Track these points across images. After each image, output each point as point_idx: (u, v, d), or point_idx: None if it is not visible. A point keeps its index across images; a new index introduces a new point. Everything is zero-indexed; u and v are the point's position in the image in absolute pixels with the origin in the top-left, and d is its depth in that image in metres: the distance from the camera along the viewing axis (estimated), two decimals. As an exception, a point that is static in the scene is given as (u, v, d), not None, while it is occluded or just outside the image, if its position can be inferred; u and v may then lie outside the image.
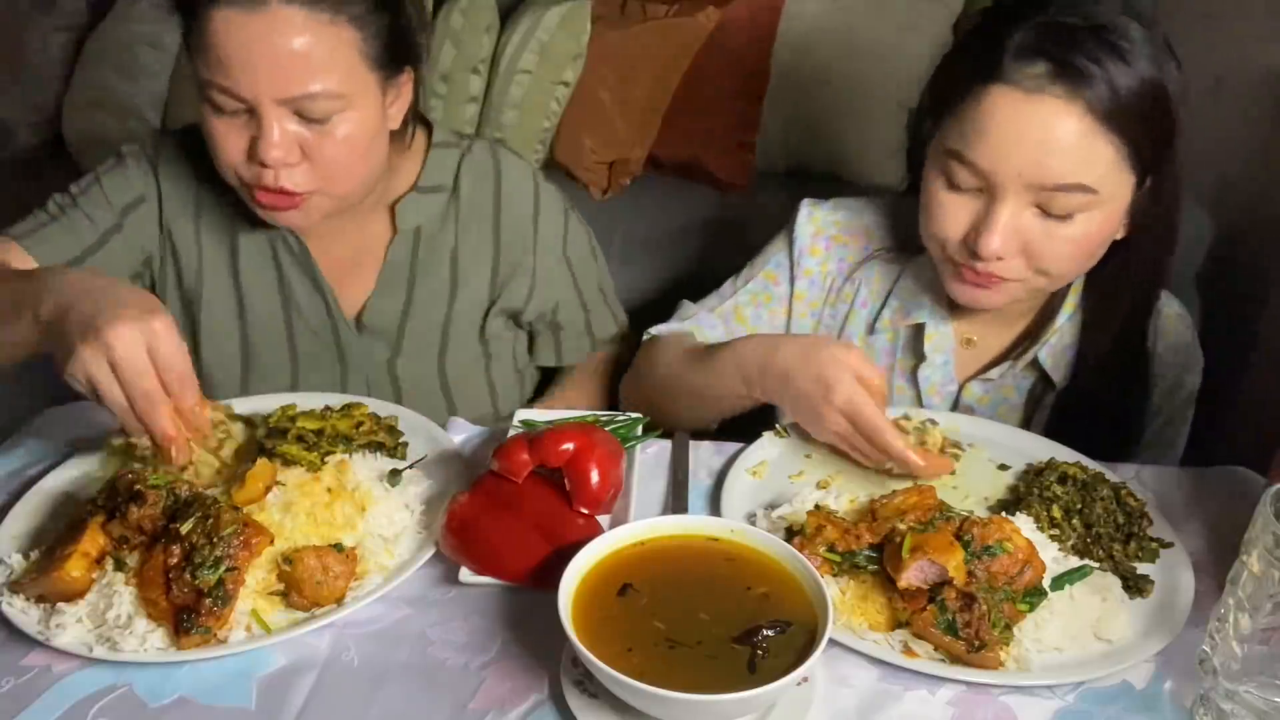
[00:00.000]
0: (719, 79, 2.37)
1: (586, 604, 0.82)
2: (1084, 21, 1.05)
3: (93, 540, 0.91)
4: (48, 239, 1.27)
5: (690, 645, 0.79)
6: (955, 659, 0.86)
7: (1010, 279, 1.12)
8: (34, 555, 0.94)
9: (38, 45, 2.61)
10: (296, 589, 0.90)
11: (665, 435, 1.18)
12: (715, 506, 1.07)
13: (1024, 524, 0.96)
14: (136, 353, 0.90)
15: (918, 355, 1.29)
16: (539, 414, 1.17)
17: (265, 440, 1.04)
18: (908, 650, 0.87)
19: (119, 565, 0.90)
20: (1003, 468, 1.12)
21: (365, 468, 1.03)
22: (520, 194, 1.40)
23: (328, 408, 1.10)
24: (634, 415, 1.17)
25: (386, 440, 1.09)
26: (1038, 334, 1.25)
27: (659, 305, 2.12)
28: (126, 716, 0.83)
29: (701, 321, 1.36)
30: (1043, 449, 1.13)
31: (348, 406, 1.10)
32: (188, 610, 0.85)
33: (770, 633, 0.79)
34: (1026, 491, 1.04)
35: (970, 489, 1.08)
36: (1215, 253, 2.14)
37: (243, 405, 1.17)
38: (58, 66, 2.64)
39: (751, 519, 1.03)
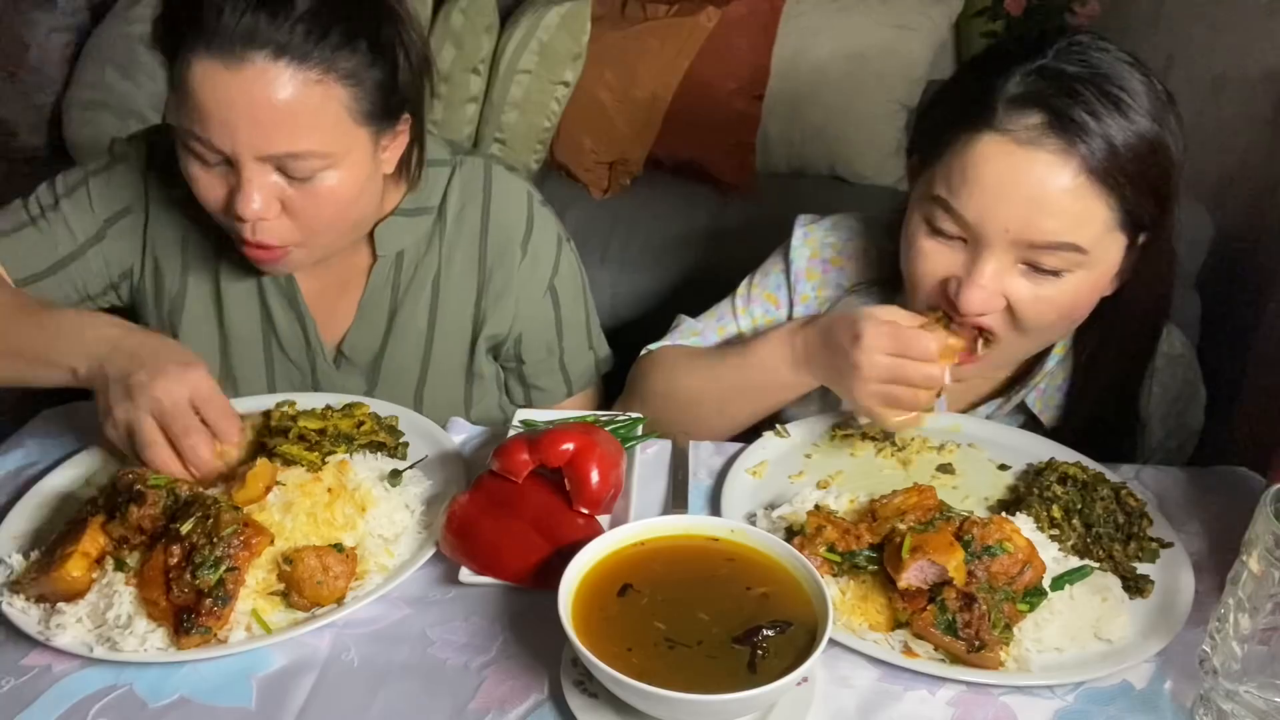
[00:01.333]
0: (719, 79, 2.38)
1: (586, 604, 0.82)
2: (1084, 69, 0.99)
3: (93, 540, 0.91)
4: (22, 243, 1.23)
5: (690, 645, 0.79)
6: (955, 659, 0.86)
7: (990, 330, 1.07)
8: (34, 555, 0.94)
9: (38, 45, 2.61)
10: (296, 589, 0.90)
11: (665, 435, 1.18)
12: (715, 506, 1.07)
13: (1024, 524, 0.96)
14: (182, 402, 0.99)
15: None
16: (539, 414, 1.17)
17: (265, 440, 1.04)
18: (908, 650, 0.87)
19: (119, 565, 0.90)
20: (1003, 468, 1.12)
21: (366, 468, 1.03)
22: (511, 215, 1.32)
23: (329, 407, 1.10)
24: (634, 415, 1.17)
25: (387, 440, 1.09)
26: (1026, 377, 1.20)
27: (658, 305, 2.12)
28: (126, 716, 0.83)
29: (707, 339, 1.32)
30: (1043, 449, 1.13)
31: (349, 406, 1.10)
32: (188, 610, 0.85)
33: (770, 633, 0.79)
34: (1026, 491, 1.04)
35: (970, 489, 1.08)
36: (1215, 253, 2.14)
37: (242, 405, 1.17)
38: (58, 66, 2.64)
39: (751, 519, 1.03)
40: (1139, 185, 0.99)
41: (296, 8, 1.04)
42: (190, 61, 1.05)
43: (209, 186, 1.11)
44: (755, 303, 1.32)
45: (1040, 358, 1.19)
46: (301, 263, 1.19)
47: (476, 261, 1.32)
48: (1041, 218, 0.98)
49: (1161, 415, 1.23)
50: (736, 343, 1.21)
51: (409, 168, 1.25)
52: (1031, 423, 1.22)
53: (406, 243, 1.30)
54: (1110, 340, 1.14)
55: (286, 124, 1.06)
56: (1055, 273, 1.01)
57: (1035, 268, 1.01)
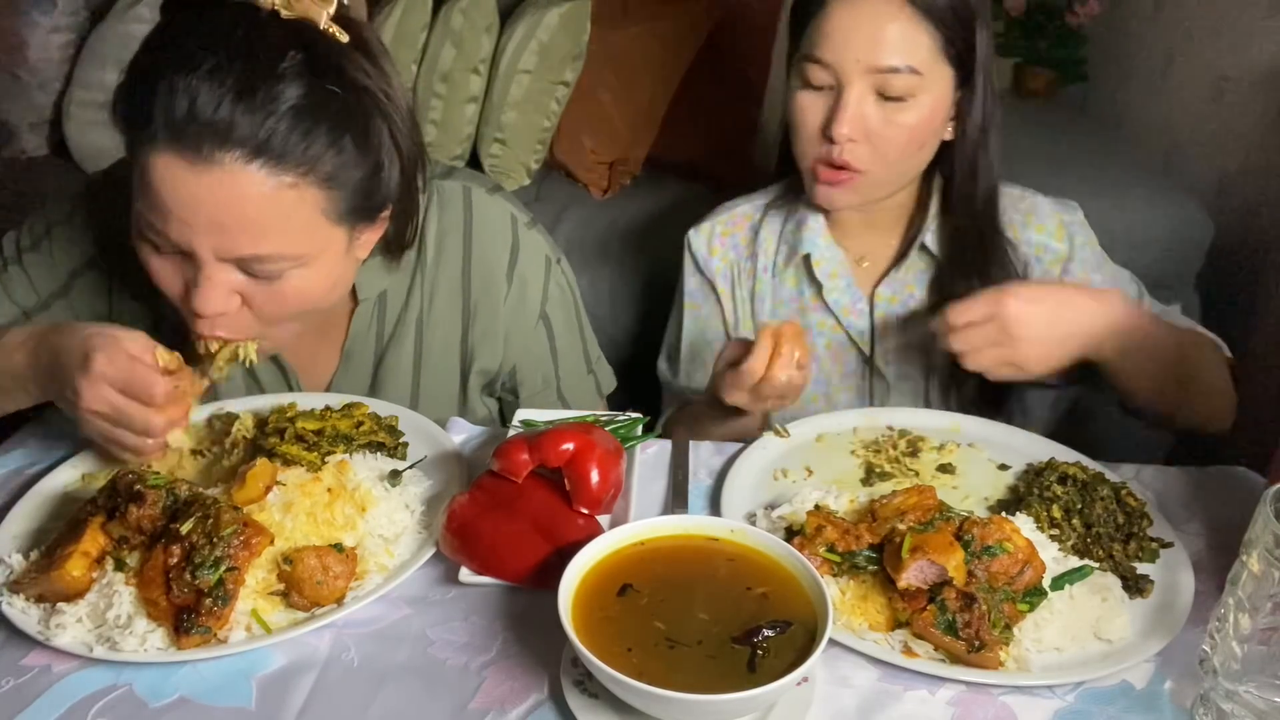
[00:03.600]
0: (719, 79, 2.38)
1: (586, 604, 0.82)
2: None
3: (93, 540, 0.91)
4: None
5: (690, 645, 0.79)
6: (955, 659, 0.86)
7: (858, 169, 1.27)
8: (34, 555, 0.94)
9: (38, 45, 2.61)
10: (296, 589, 0.90)
11: (665, 435, 1.18)
12: (715, 506, 1.07)
13: (1024, 524, 0.96)
14: (115, 401, 0.96)
15: (817, 283, 1.41)
16: (539, 414, 1.17)
17: (265, 440, 1.04)
18: (908, 650, 0.87)
19: (119, 565, 0.90)
20: (1003, 468, 1.12)
21: (365, 468, 1.03)
22: (495, 243, 1.26)
23: (328, 408, 1.09)
24: (634, 415, 1.17)
25: (387, 440, 1.09)
26: (917, 229, 1.38)
27: (658, 305, 2.11)
28: (126, 716, 0.83)
29: (680, 383, 1.50)
30: (1043, 449, 1.13)
31: (348, 406, 1.10)
32: (188, 610, 0.86)
33: (770, 633, 0.79)
34: (1026, 491, 1.04)
35: (970, 489, 1.08)
36: (1215, 253, 2.14)
37: (242, 405, 1.17)
38: (58, 66, 2.64)
39: (751, 519, 1.03)
40: (951, 19, 1.24)
41: (278, 104, 0.94)
42: (151, 151, 0.94)
43: (164, 275, 1.03)
44: (685, 321, 1.49)
45: (922, 211, 1.39)
46: (263, 350, 1.12)
47: (460, 296, 1.27)
48: (883, 47, 1.23)
49: (1032, 252, 1.37)
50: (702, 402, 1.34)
51: (400, 241, 1.18)
52: (936, 270, 1.38)
53: (388, 282, 1.24)
54: (957, 177, 1.35)
55: (254, 228, 0.97)
56: (901, 99, 1.24)
57: (885, 96, 1.24)
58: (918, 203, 1.39)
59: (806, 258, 1.41)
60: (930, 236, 1.37)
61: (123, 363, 0.96)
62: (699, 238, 1.48)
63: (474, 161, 2.49)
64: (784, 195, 1.46)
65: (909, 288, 1.40)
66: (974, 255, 1.34)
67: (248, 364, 1.09)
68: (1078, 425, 1.55)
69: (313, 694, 0.85)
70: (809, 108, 1.28)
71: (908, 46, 1.23)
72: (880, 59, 1.22)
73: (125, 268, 1.14)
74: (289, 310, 1.06)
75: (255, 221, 0.97)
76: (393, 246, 1.18)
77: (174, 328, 1.14)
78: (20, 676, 0.86)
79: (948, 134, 1.32)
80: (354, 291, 1.22)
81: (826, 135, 1.26)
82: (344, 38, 1.00)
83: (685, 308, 1.50)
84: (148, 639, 0.86)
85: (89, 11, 2.67)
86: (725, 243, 1.47)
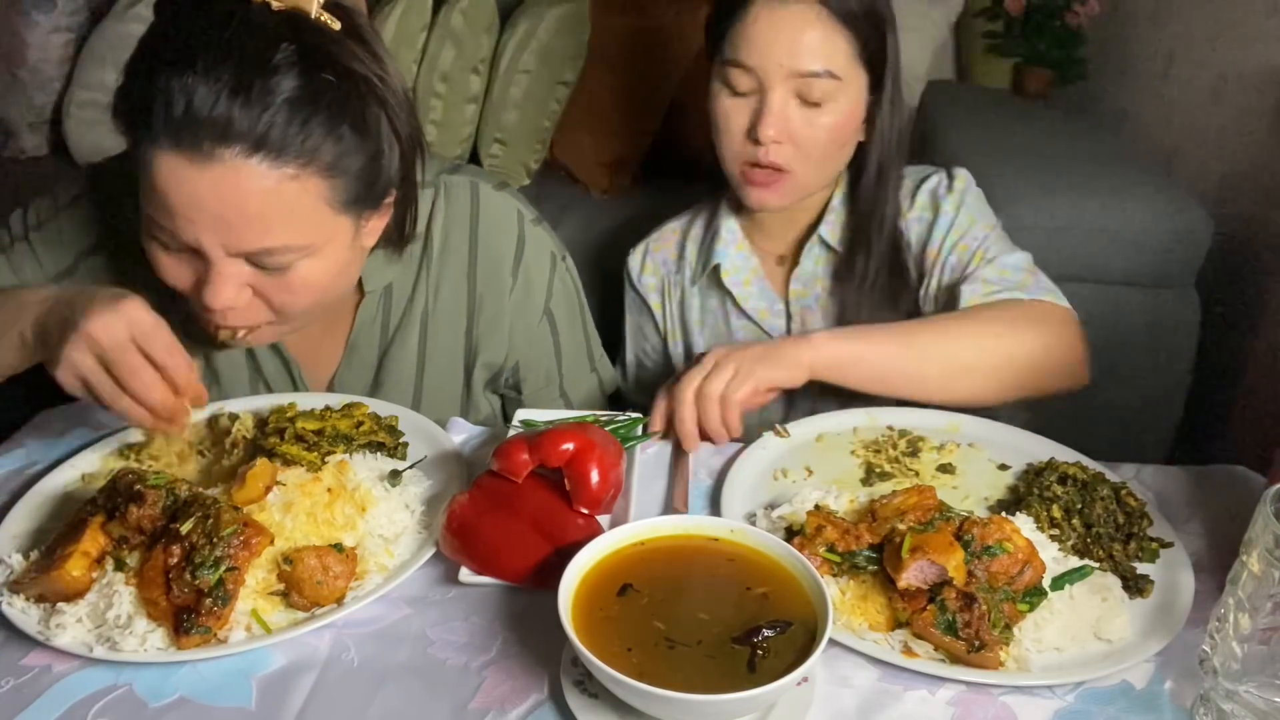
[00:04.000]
0: (719, 79, 2.37)
1: (586, 604, 0.82)
2: None
3: (93, 540, 0.91)
4: None
5: (690, 645, 0.79)
6: (955, 659, 0.86)
7: (786, 169, 1.32)
8: (34, 555, 0.94)
9: (38, 45, 2.61)
10: (296, 589, 0.90)
11: (665, 435, 1.18)
12: (715, 506, 1.07)
13: (1024, 524, 0.96)
14: (120, 337, 0.93)
15: (726, 292, 1.47)
16: (539, 414, 1.17)
17: (265, 440, 1.04)
18: (908, 650, 0.87)
19: (119, 565, 0.90)
20: (1003, 468, 1.12)
21: (365, 468, 1.03)
22: (501, 238, 1.27)
23: (328, 408, 1.10)
24: (634, 415, 1.17)
25: (386, 440, 1.09)
26: (817, 223, 1.43)
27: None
28: (126, 716, 0.83)
29: (633, 395, 1.57)
30: (1043, 449, 1.13)
31: (348, 406, 1.10)
32: (188, 610, 0.85)
33: (770, 633, 0.79)
34: (1026, 491, 1.04)
35: (970, 489, 1.08)
36: (1215, 253, 2.14)
37: (241, 405, 1.17)
38: (58, 66, 2.64)
39: (751, 519, 1.03)
40: (866, 25, 1.29)
41: (274, 96, 0.94)
42: (153, 151, 0.95)
43: (174, 272, 1.04)
44: (627, 336, 1.60)
45: (826, 205, 1.43)
46: (275, 337, 1.14)
47: (466, 290, 1.28)
48: (804, 51, 1.27)
49: (918, 228, 1.40)
50: None
51: (401, 229, 1.19)
52: (829, 255, 1.42)
53: (393, 275, 1.24)
54: (865, 173, 1.39)
55: (259, 222, 0.98)
56: (820, 102, 1.29)
57: (807, 100, 1.29)
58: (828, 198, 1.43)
59: (717, 268, 1.46)
60: (827, 229, 1.41)
61: (150, 322, 0.96)
62: (634, 258, 1.56)
63: (474, 161, 2.49)
64: (708, 206, 1.52)
65: (818, 281, 1.44)
66: (865, 240, 1.38)
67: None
68: (1078, 425, 1.55)
69: (313, 694, 0.85)
70: (733, 112, 1.32)
71: (827, 51, 1.27)
72: (801, 64, 1.27)
73: (132, 254, 1.13)
74: (300, 301, 1.06)
75: (260, 215, 0.97)
76: (395, 237, 1.19)
77: (180, 317, 1.15)
78: (20, 676, 0.86)
79: (860, 135, 1.37)
80: (360, 285, 1.22)
81: (752, 138, 1.31)
82: (336, 25, 1.00)
83: (626, 323, 1.60)
84: (148, 639, 0.86)
85: (89, 11, 2.67)
86: (656, 259, 1.55)
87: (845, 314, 1.40)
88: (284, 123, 0.95)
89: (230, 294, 1.02)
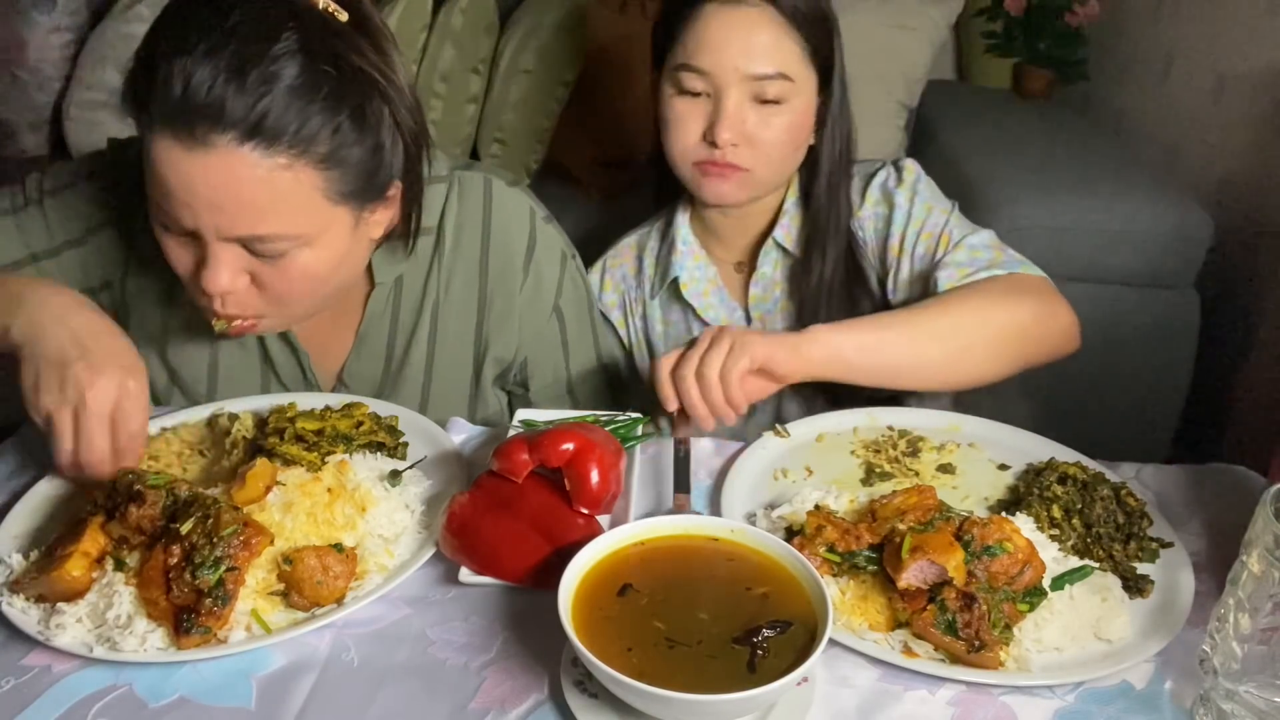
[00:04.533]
0: (719, 79, 2.38)
1: (586, 604, 0.82)
2: None
3: (93, 540, 0.91)
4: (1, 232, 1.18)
5: (690, 645, 0.79)
6: (955, 659, 0.86)
7: (743, 167, 1.32)
8: (34, 555, 0.94)
9: (38, 45, 2.61)
10: (296, 589, 0.90)
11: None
12: (715, 506, 1.07)
13: (1024, 524, 0.96)
14: (104, 408, 0.96)
15: (687, 304, 1.47)
16: (539, 414, 1.17)
17: (265, 440, 1.04)
18: (908, 650, 0.87)
19: (119, 565, 0.90)
20: (1003, 468, 1.12)
21: (365, 468, 1.03)
22: (512, 234, 1.28)
23: (328, 408, 1.09)
24: (634, 415, 1.17)
25: (386, 440, 1.09)
26: (771, 226, 1.43)
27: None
28: (126, 716, 0.83)
29: None
30: (1043, 449, 1.13)
31: (348, 406, 1.10)
32: (188, 610, 0.85)
33: (770, 633, 0.79)
34: (1026, 491, 1.04)
35: (970, 489, 1.08)
36: (1215, 253, 2.14)
37: (241, 405, 1.17)
38: (58, 66, 2.64)
39: (751, 519, 1.03)
40: (815, 27, 1.31)
41: (271, 85, 0.94)
42: (151, 134, 0.96)
43: (176, 254, 1.05)
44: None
45: (781, 205, 1.43)
46: (277, 328, 1.14)
47: (477, 284, 1.28)
48: (758, 53, 1.28)
49: (871, 222, 1.41)
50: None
51: (408, 225, 1.19)
52: (786, 259, 1.43)
53: (405, 267, 1.24)
54: (817, 175, 1.40)
55: (251, 209, 0.98)
56: (776, 101, 1.29)
57: (762, 100, 1.29)
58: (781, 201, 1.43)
59: (675, 281, 1.46)
60: (782, 232, 1.41)
61: (136, 410, 0.99)
62: (593, 275, 1.54)
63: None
64: (662, 218, 1.53)
65: (776, 285, 1.44)
66: (821, 241, 1.39)
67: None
68: (1078, 425, 1.56)
69: (313, 694, 0.85)
70: (687, 115, 1.32)
71: (779, 53, 1.29)
72: (755, 66, 1.28)
73: (143, 234, 1.14)
74: (297, 290, 1.07)
75: (252, 203, 0.98)
76: (399, 231, 1.19)
77: (185, 301, 1.17)
78: (20, 676, 0.86)
79: (812, 139, 1.38)
80: (371, 276, 1.23)
81: (708, 140, 1.31)
82: (343, 17, 1.01)
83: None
84: (148, 639, 0.86)
85: (89, 11, 2.67)
86: (615, 275, 1.55)
87: (804, 316, 1.40)
88: (279, 111, 0.95)
89: (226, 279, 1.02)
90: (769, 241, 1.42)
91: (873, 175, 1.42)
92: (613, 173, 2.48)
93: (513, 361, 1.32)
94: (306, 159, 0.98)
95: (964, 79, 3.16)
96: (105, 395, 0.96)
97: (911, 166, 1.41)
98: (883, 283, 1.40)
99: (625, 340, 1.54)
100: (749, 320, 1.46)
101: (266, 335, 1.25)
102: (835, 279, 1.39)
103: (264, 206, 0.98)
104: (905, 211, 1.37)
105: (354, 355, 1.28)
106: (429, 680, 0.86)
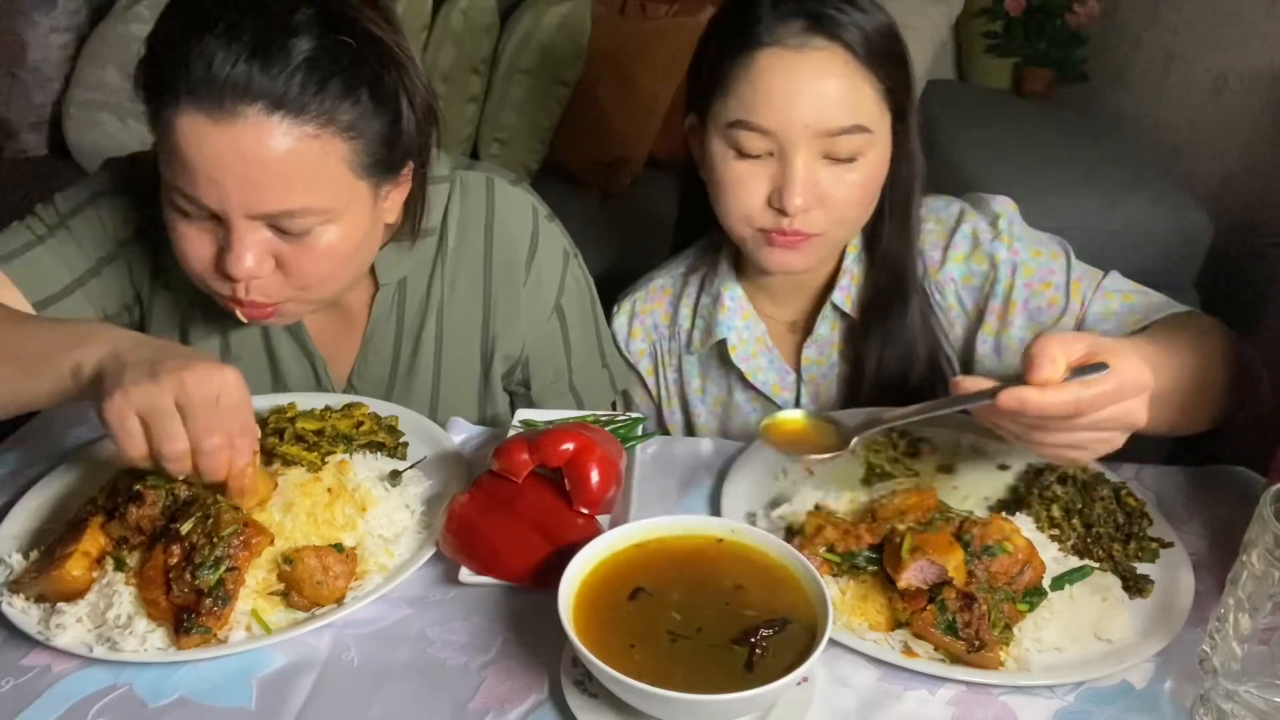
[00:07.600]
0: (719, 79, 2.38)
1: (587, 604, 0.82)
2: None
3: (93, 540, 0.91)
4: (34, 264, 1.15)
5: (691, 637, 0.79)
6: (955, 659, 0.86)
7: (813, 233, 1.17)
8: (34, 555, 0.94)
9: (38, 45, 2.61)
10: (296, 589, 0.90)
11: (664, 434, 1.18)
12: (715, 506, 1.07)
13: (1024, 524, 0.96)
14: (210, 397, 0.86)
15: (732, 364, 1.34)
16: (539, 414, 1.17)
17: (265, 440, 1.04)
18: (908, 650, 0.87)
19: (119, 565, 0.90)
20: (1003, 468, 1.12)
21: (365, 468, 1.03)
22: (516, 231, 1.27)
23: (328, 408, 1.10)
24: (634, 415, 1.17)
25: (387, 440, 1.09)
26: (834, 282, 1.30)
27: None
28: (126, 716, 0.83)
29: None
30: (1043, 449, 1.13)
31: (348, 406, 1.10)
32: (188, 610, 0.86)
33: (770, 632, 0.79)
34: (1026, 491, 1.04)
35: (970, 489, 1.08)
36: (1215, 253, 2.14)
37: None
38: (58, 66, 2.64)
39: (751, 519, 1.03)
40: (889, 62, 1.14)
41: (293, 56, 0.95)
42: (175, 113, 0.96)
43: (195, 243, 1.03)
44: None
45: (841, 262, 1.29)
46: (296, 315, 1.14)
47: (482, 283, 1.28)
48: (829, 105, 1.11)
49: (937, 264, 1.27)
50: None
51: (413, 216, 1.19)
52: (845, 321, 1.30)
53: (408, 268, 1.24)
54: (884, 218, 1.24)
55: (280, 181, 0.98)
56: (851, 159, 1.14)
57: (834, 158, 1.13)
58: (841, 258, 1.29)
59: (722, 342, 1.33)
60: (840, 295, 1.28)
61: (242, 396, 0.90)
62: (619, 318, 1.42)
63: (474, 161, 2.49)
64: (700, 261, 1.38)
65: (834, 346, 1.32)
66: (886, 302, 1.25)
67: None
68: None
69: (313, 694, 0.85)
70: (749, 177, 1.15)
71: (853, 102, 1.12)
72: (827, 120, 1.11)
73: (164, 245, 1.11)
74: (321, 269, 1.06)
75: (281, 174, 0.98)
76: (407, 227, 1.19)
77: (207, 313, 1.17)
78: (20, 676, 0.86)
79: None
80: (375, 278, 1.23)
81: (775, 206, 1.15)
82: None
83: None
84: (148, 639, 0.86)
85: (89, 11, 2.67)
86: (645, 322, 1.41)
87: (864, 380, 1.26)
88: (303, 82, 0.96)
89: (252, 261, 1.01)
90: (827, 305, 1.29)
91: (957, 225, 1.25)
92: (613, 173, 2.48)
93: (519, 359, 1.33)
94: (333, 128, 0.99)
95: (964, 79, 3.16)
96: (208, 382, 0.86)
97: (1003, 211, 1.24)
98: (967, 342, 1.26)
99: (654, 393, 1.42)
100: (800, 382, 1.34)
101: (279, 347, 1.25)
102: (903, 342, 1.24)
103: (293, 178, 0.99)
104: (1011, 266, 1.22)
105: (361, 359, 1.28)
106: (429, 680, 0.86)
